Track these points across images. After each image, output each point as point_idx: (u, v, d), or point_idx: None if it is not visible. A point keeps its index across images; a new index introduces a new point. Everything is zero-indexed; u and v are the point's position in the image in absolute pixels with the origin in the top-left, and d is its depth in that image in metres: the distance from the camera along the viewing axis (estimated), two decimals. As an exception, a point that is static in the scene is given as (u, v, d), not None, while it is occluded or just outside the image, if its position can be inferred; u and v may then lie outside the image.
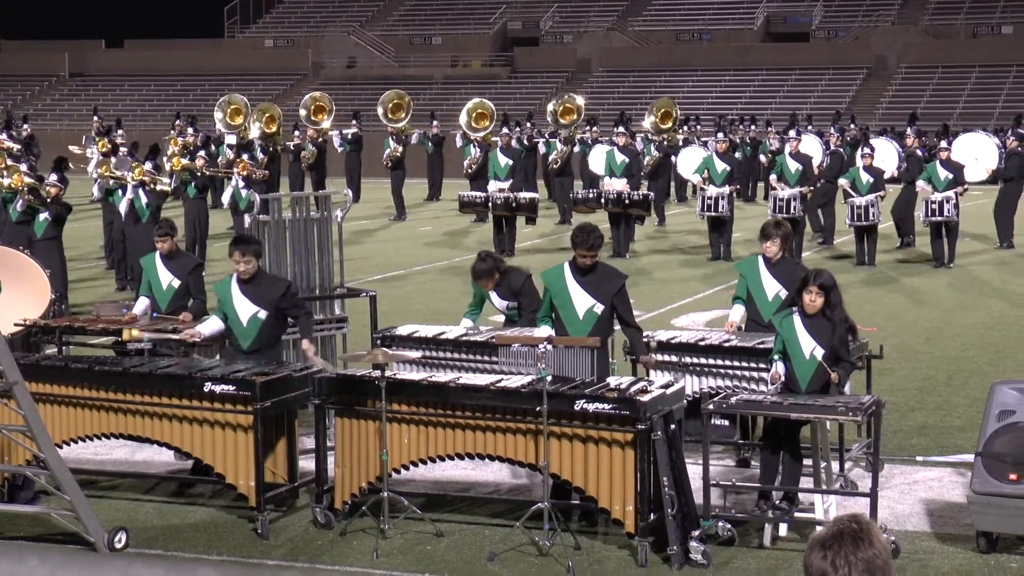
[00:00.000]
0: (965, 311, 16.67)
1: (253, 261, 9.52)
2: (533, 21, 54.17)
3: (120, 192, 18.60)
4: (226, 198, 20.89)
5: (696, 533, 7.93)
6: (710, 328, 13.29)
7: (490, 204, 22.28)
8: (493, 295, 10.36)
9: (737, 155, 30.41)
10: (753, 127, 33.22)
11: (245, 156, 23.44)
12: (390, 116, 30.49)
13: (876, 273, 20.12)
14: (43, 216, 16.27)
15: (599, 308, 9.08)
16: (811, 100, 45.72)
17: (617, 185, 21.60)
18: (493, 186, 22.50)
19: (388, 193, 29.39)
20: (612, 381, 8.39)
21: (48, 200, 16.32)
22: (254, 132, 27.51)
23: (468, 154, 28.08)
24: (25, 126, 34.64)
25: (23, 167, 18.55)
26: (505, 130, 25.04)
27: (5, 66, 55.73)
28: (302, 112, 30.83)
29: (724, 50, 49.86)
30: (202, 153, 22.81)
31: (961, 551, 8.05)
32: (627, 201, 21.45)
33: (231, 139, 26.63)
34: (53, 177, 17.02)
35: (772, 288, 9.92)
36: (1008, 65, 45.50)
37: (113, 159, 21.20)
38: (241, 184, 20.82)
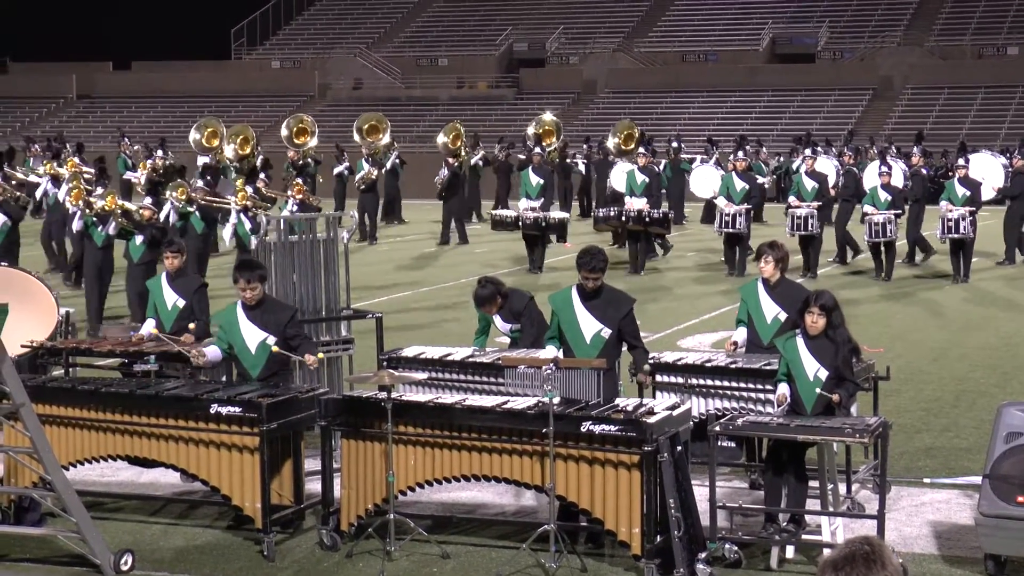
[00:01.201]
0: (973, 331, 16.64)
1: (259, 287, 9.38)
2: (539, 42, 54.28)
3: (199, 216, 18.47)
4: None
5: (703, 555, 7.91)
6: (716, 349, 13.27)
7: (520, 223, 22.63)
8: (497, 319, 10.39)
9: (774, 177, 30.75)
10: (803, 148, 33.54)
11: (299, 179, 23.27)
12: (367, 138, 30.40)
13: (891, 289, 20.22)
14: (139, 240, 16.14)
15: (606, 332, 9.06)
16: (817, 121, 45.75)
17: (637, 204, 22.20)
18: (524, 204, 22.76)
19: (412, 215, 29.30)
20: (619, 403, 8.38)
21: (143, 223, 16.27)
22: (228, 154, 27.27)
23: (445, 174, 28.22)
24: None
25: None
26: (537, 150, 25.25)
27: (13, 88, 55.94)
28: (283, 132, 30.71)
29: (730, 71, 49.95)
30: (263, 176, 22.39)
31: (969, 574, 8.02)
32: (647, 219, 22.17)
33: (204, 160, 26.29)
34: (147, 200, 17.01)
35: (771, 311, 9.90)
36: (1014, 86, 45.53)
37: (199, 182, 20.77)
38: (296, 208, 20.48)
